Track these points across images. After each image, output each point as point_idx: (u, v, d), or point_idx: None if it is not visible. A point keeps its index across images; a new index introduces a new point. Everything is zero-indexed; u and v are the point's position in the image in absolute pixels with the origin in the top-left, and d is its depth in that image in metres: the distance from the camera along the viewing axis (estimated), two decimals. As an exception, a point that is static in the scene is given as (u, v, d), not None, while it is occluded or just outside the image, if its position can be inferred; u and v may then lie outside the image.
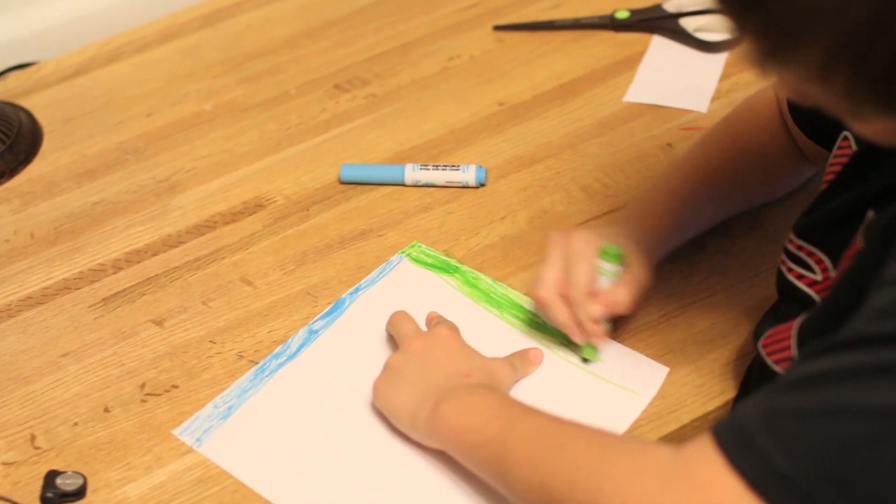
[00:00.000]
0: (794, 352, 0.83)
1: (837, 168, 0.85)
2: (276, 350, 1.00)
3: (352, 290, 1.04)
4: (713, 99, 1.18)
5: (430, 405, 0.89)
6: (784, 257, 0.88)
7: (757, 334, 0.88)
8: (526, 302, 1.01)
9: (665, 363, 0.96)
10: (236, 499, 0.91)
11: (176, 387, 0.99)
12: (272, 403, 0.97)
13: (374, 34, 1.31)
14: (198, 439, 0.95)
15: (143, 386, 0.99)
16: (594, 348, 0.96)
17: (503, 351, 0.96)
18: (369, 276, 1.05)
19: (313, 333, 1.01)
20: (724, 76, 1.21)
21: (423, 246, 1.07)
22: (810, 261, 0.85)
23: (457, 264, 1.05)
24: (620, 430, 0.92)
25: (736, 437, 0.69)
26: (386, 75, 1.26)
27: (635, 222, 0.98)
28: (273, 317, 1.03)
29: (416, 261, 1.06)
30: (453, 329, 0.96)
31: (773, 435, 0.68)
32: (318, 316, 1.02)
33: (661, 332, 0.99)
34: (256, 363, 0.99)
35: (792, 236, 0.87)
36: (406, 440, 0.92)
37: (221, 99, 1.26)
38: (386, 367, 0.94)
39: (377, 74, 1.26)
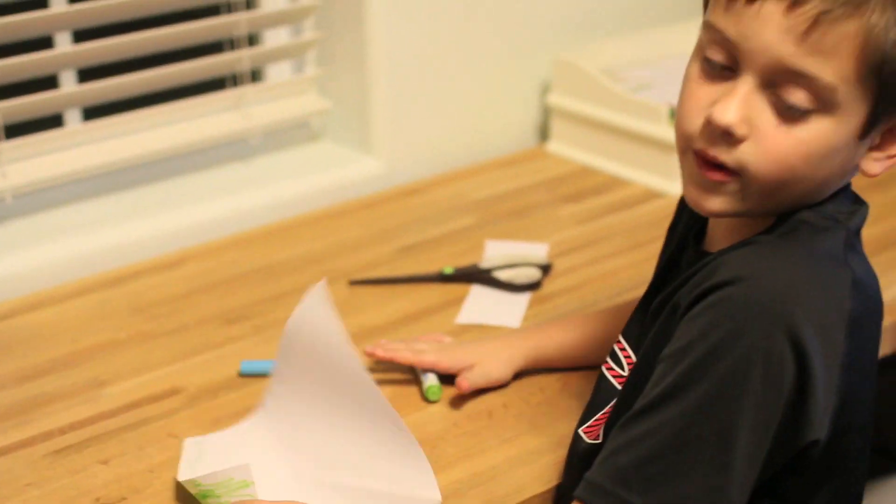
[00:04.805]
0: (601, 438, 1.18)
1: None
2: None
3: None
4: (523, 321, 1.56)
5: None
6: (608, 357, 1.23)
7: (580, 424, 1.23)
8: None
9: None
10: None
11: (125, 498, 1.25)
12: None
13: (251, 291, 1.66)
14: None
15: (97, 499, 1.25)
16: (435, 390, 1.38)
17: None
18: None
19: None
20: (529, 306, 1.60)
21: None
22: (622, 358, 1.21)
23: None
24: None
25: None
26: (266, 314, 1.60)
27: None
28: (198, 455, 1.31)
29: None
30: None
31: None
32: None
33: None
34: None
35: (620, 338, 1.23)
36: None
37: (133, 330, 1.56)
38: None
39: (258, 313, 1.60)
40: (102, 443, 1.34)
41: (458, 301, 1.61)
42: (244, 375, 1.46)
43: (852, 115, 1.04)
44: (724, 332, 1.02)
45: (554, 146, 2.06)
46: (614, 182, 1.94)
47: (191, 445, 1.31)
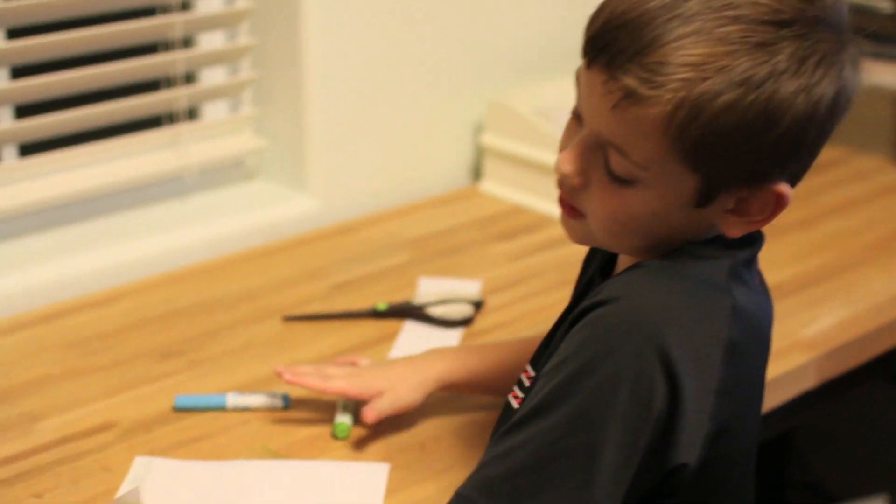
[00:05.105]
0: None
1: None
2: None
3: None
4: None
5: None
6: (515, 385, 1.25)
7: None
8: None
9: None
10: None
11: (60, 531, 1.26)
12: None
13: (186, 327, 1.67)
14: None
15: (32, 532, 1.25)
16: (344, 428, 1.39)
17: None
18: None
19: None
20: (462, 341, 1.62)
21: None
22: (527, 383, 1.23)
23: None
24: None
25: None
26: (201, 350, 1.61)
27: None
28: (132, 489, 1.32)
29: None
30: None
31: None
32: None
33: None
34: None
35: (527, 366, 1.25)
36: None
37: (67, 366, 1.57)
38: None
39: (193, 348, 1.61)
40: (35, 477, 1.34)
41: (391, 337, 1.64)
42: (179, 410, 1.47)
43: (676, 187, 1.07)
44: (595, 349, 1.06)
45: (487, 185, 2.09)
46: (545, 221, 1.98)
47: (140, 464, 1.34)
